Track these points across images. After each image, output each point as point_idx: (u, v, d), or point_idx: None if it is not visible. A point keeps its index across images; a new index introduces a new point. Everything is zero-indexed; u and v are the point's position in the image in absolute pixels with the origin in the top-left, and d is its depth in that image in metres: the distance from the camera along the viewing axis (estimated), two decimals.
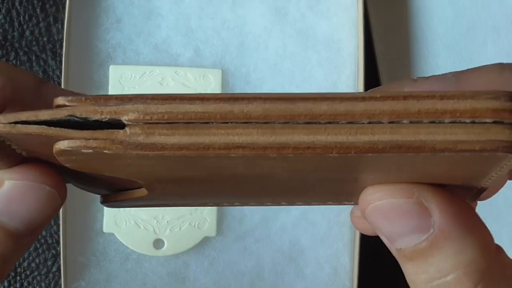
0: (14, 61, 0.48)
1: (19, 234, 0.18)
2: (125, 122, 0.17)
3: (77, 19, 0.50)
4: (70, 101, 0.17)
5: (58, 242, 0.51)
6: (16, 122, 0.17)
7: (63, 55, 0.48)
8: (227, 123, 0.16)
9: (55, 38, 0.50)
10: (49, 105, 0.17)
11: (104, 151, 0.16)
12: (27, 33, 0.49)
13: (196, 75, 0.53)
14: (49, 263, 0.52)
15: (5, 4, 0.48)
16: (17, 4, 0.49)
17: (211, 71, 0.53)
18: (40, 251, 0.51)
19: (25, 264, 0.51)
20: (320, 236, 0.55)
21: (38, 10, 0.49)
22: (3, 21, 0.48)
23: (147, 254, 0.52)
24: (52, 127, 0.17)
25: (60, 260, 0.50)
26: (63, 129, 0.17)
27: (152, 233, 0.51)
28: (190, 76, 0.53)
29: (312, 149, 0.16)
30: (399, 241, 0.19)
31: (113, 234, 0.52)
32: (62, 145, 0.17)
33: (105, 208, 0.51)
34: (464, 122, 0.16)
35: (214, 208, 0.53)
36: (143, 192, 0.21)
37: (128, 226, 0.52)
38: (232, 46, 0.55)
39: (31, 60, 0.49)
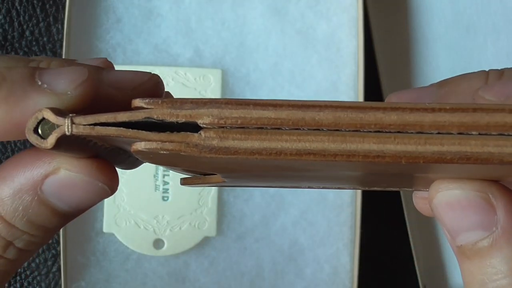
0: None
1: (64, 214, 0.20)
2: (201, 125, 0.17)
3: (77, 19, 0.50)
4: (148, 103, 0.18)
5: (58, 242, 0.51)
6: (95, 124, 0.18)
7: (63, 55, 0.48)
8: (299, 129, 0.17)
9: (55, 38, 0.50)
10: (111, 88, 0.19)
11: (162, 152, 0.17)
12: (27, 33, 0.49)
13: (196, 75, 0.53)
14: (49, 263, 0.52)
15: (5, 4, 0.48)
16: (17, 4, 0.48)
17: (211, 71, 0.53)
18: (40, 251, 0.51)
19: (25, 264, 0.51)
20: (320, 236, 0.55)
21: (38, 10, 0.49)
22: (3, 21, 0.48)
23: (147, 254, 0.52)
24: (130, 129, 0.17)
25: (60, 260, 0.50)
26: (140, 131, 0.17)
27: (152, 233, 0.51)
28: (190, 76, 0.53)
29: (382, 157, 0.16)
30: (461, 236, 0.19)
31: (113, 234, 0.52)
32: (139, 146, 0.18)
33: (105, 208, 0.51)
34: None
35: (214, 208, 0.53)
36: (218, 178, 0.22)
37: (128, 226, 0.52)
38: (232, 46, 0.55)
39: None
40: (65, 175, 0.19)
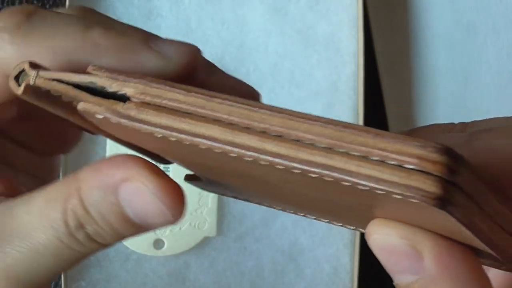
0: None
1: (132, 222, 0.21)
2: (128, 97, 0.19)
3: None
4: (94, 69, 0.20)
5: None
6: (54, 79, 0.20)
7: None
8: (204, 117, 0.18)
9: None
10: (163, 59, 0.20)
11: (98, 116, 0.19)
12: None
13: None
14: None
15: (5, 4, 0.48)
16: (17, 4, 0.48)
17: None
18: None
19: None
20: (320, 236, 0.55)
21: None
22: None
23: (147, 254, 0.52)
24: (75, 89, 0.20)
25: None
26: (82, 91, 0.19)
27: (152, 233, 0.51)
28: None
29: (259, 153, 0.17)
30: (395, 276, 0.20)
31: None
32: (79, 105, 0.20)
33: None
34: (391, 164, 0.16)
35: (214, 208, 0.53)
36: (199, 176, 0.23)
37: None
38: (232, 46, 0.55)
39: None
40: (135, 185, 0.20)
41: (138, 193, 0.20)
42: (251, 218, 0.54)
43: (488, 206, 0.18)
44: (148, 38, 0.22)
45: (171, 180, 0.21)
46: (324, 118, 0.17)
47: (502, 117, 0.23)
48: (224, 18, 0.55)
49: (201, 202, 0.52)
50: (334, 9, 0.57)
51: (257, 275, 0.54)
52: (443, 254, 0.19)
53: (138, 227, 0.22)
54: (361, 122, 0.56)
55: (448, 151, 0.16)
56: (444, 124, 0.23)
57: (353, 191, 0.17)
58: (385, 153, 0.16)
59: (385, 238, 0.19)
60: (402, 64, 0.63)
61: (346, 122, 0.17)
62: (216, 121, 0.18)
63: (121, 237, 0.22)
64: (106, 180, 0.21)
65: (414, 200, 0.16)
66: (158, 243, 0.52)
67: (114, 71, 0.20)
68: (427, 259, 0.19)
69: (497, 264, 0.22)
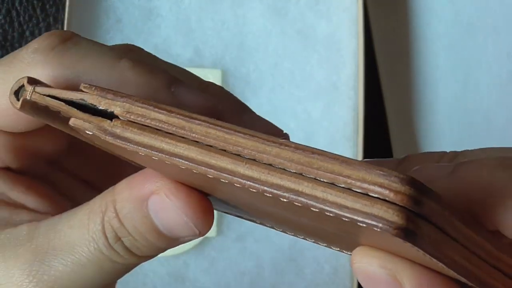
0: None
1: (162, 234, 0.22)
2: (116, 115, 0.20)
3: (77, 19, 0.50)
4: (84, 87, 0.20)
5: None
6: (48, 95, 0.20)
7: None
8: (184, 138, 0.19)
9: None
10: (178, 105, 0.21)
11: (87, 132, 0.20)
12: (27, 33, 0.49)
13: None
14: None
15: (5, 4, 0.48)
16: (17, 4, 0.49)
17: (211, 71, 0.53)
18: None
19: None
20: None
21: (38, 10, 0.49)
22: (3, 21, 0.48)
23: None
24: (67, 105, 0.20)
25: None
26: (72, 108, 0.20)
27: None
28: None
29: (232, 175, 0.18)
30: None
31: None
32: (70, 121, 0.20)
33: None
34: (356, 192, 0.17)
35: None
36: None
37: None
38: (232, 46, 0.55)
39: None
40: (162, 198, 0.21)
41: (164, 205, 0.21)
42: None
43: (464, 238, 0.18)
44: (172, 83, 0.23)
45: (197, 193, 0.21)
46: (296, 143, 0.18)
47: (496, 148, 0.23)
48: (224, 18, 0.55)
49: None
50: (334, 9, 0.57)
51: (257, 275, 0.54)
52: (423, 285, 0.19)
53: (170, 240, 0.22)
54: (361, 122, 0.56)
55: (411, 182, 0.16)
56: (436, 152, 0.24)
57: (327, 218, 0.17)
58: (349, 181, 0.17)
59: (367, 266, 0.19)
60: (402, 64, 0.63)
61: (316, 149, 0.17)
62: (195, 142, 0.18)
63: (157, 248, 0.23)
64: (137, 193, 0.21)
65: (377, 229, 0.16)
66: None
67: (104, 90, 0.20)
68: None
69: None
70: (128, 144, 0.19)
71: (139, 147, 0.19)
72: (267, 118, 0.26)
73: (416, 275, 0.19)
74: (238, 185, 0.18)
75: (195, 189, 0.21)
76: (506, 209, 0.19)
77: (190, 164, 0.18)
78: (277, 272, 0.54)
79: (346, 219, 0.16)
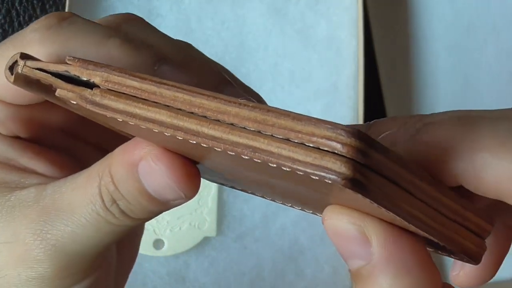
0: None
1: (153, 198, 0.23)
2: (97, 84, 0.21)
3: None
4: (69, 60, 0.21)
5: None
6: (37, 68, 0.22)
7: None
8: (156, 103, 0.20)
9: None
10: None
11: (72, 102, 0.21)
12: None
13: None
14: None
15: (5, 4, 0.48)
16: (17, 4, 0.48)
17: None
18: None
19: None
20: (320, 236, 0.55)
21: (38, 10, 0.49)
22: (3, 21, 0.48)
23: (147, 254, 0.52)
24: (53, 77, 0.21)
25: None
26: (58, 79, 0.21)
27: (152, 233, 0.51)
28: None
29: (197, 137, 0.19)
30: (347, 262, 0.21)
31: None
32: (57, 92, 0.21)
33: None
34: (308, 146, 0.17)
35: (214, 208, 0.53)
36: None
37: None
38: (232, 46, 0.55)
39: None
40: (149, 163, 0.22)
41: (151, 170, 0.22)
42: (251, 218, 0.54)
43: (418, 190, 0.19)
44: (156, 62, 0.24)
45: (182, 159, 0.22)
46: (255, 103, 0.18)
47: (461, 110, 0.24)
48: (224, 18, 0.55)
49: (201, 202, 0.52)
50: (334, 9, 0.57)
51: (257, 275, 0.54)
52: (389, 241, 0.20)
53: (160, 203, 0.23)
54: (361, 122, 0.56)
55: (358, 134, 0.17)
56: (403, 116, 0.24)
57: (290, 175, 0.18)
58: (301, 135, 0.17)
59: (336, 222, 0.20)
60: (402, 64, 0.63)
61: (271, 107, 0.18)
62: (165, 106, 0.19)
63: (150, 212, 0.24)
64: (128, 158, 0.23)
65: (328, 181, 0.17)
66: (158, 243, 0.52)
67: (86, 61, 0.21)
68: (374, 245, 0.20)
69: (457, 256, 0.22)
70: (106, 111, 0.20)
71: (116, 114, 0.20)
72: None
73: (383, 231, 0.20)
74: (204, 145, 0.19)
75: (183, 156, 0.22)
76: (463, 162, 0.20)
77: (160, 127, 0.19)
78: (277, 272, 0.54)
79: (301, 173, 0.17)
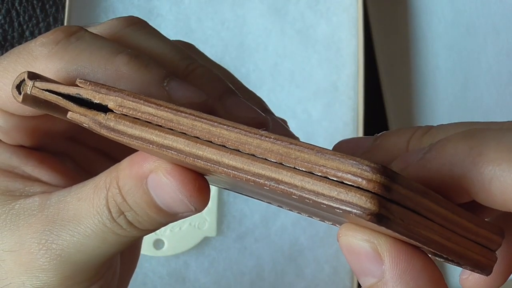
0: None
1: (161, 210, 0.23)
2: (110, 108, 0.21)
3: (77, 19, 0.50)
4: (80, 83, 0.21)
5: None
6: (47, 90, 0.21)
7: None
8: (172, 130, 0.20)
9: None
10: (170, 99, 0.22)
11: (84, 125, 0.21)
12: (27, 33, 0.49)
13: None
14: None
15: (5, 4, 0.48)
16: (17, 4, 0.48)
17: None
18: None
19: None
20: (320, 236, 0.55)
21: (38, 10, 0.49)
22: (3, 21, 0.48)
23: (147, 254, 0.52)
24: (64, 99, 0.21)
25: None
26: (69, 102, 0.21)
27: (152, 233, 0.51)
28: None
29: (218, 166, 0.19)
30: (360, 278, 0.21)
31: None
32: (68, 114, 0.21)
33: None
34: (332, 180, 0.18)
35: (214, 208, 0.53)
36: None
37: None
38: (232, 46, 0.55)
39: None
40: (159, 176, 0.22)
41: (161, 184, 0.22)
42: (251, 218, 0.54)
43: (436, 216, 0.19)
44: (165, 77, 0.24)
45: (192, 173, 0.22)
46: (276, 135, 0.19)
47: (466, 122, 0.24)
48: (224, 18, 0.55)
49: None
50: (334, 9, 0.57)
51: (257, 275, 0.54)
52: (401, 259, 0.20)
53: (169, 215, 0.23)
54: (361, 122, 0.56)
55: (382, 170, 0.17)
56: (409, 129, 0.25)
57: (311, 203, 0.18)
58: (325, 169, 0.18)
59: (351, 240, 0.20)
60: (402, 64, 0.63)
61: (293, 139, 0.18)
62: (182, 134, 0.20)
63: (158, 223, 0.24)
64: (137, 171, 0.23)
65: (352, 215, 0.17)
66: (158, 243, 0.52)
67: (98, 85, 0.21)
68: (386, 263, 0.20)
69: (467, 267, 0.22)
70: (121, 136, 0.20)
71: (132, 139, 0.20)
72: None
73: (395, 249, 0.20)
74: (224, 175, 0.19)
75: (192, 170, 0.22)
76: (471, 176, 0.20)
77: (179, 154, 0.19)
78: (277, 272, 0.54)
79: (324, 206, 0.17)
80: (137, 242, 0.31)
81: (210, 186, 0.23)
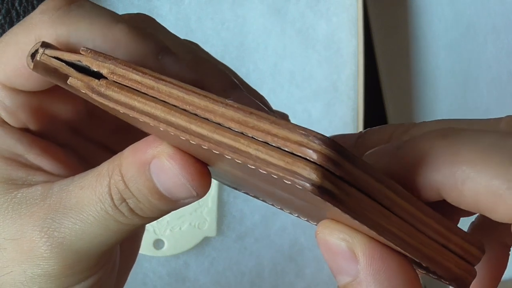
0: None
1: (164, 197, 0.23)
2: (104, 75, 0.22)
3: None
4: (82, 51, 0.22)
5: None
6: (53, 57, 0.23)
7: None
8: (153, 97, 0.20)
9: None
10: (163, 73, 0.22)
11: (82, 92, 0.22)
12: None
13: None
14: None
15: (5, 5, 0.48)
16: (17, 4, 0.48)
17: None
18: None
19: None
20: None
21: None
22: (3, 21, 0.48)
23: (147, 254, 0.52)
24: (67, 66, 0.22)
25: None
26: (71, 68, 0.22)
27: (152, 233, 0.51)
28: None
29: (185, 133, 0.19)
30: (336, 277, 0.21)
31: None
32: (68, 80, 0.22)
33: None
34: (284, 150, 0.18)
35: (214, 208, 0.53)
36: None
37: None
38: (232, 46, 0.55)
39: None
40: (162, 161, 0.22)
41: (164, 168, 0.23)
42: (251, 218, 0.54)
43: (395, 206, 0.19)
44: (160, 51, 0.25)
45: (194, 159, 0.22)
46: (240, 105, 0.19)
47: (441, 121, 0.23)
48: (224, 18, 0.55)
49: (201, 202, 0.52)
50: (334, 9, 0.57)
51: (257, 275, 0.54)
52: (376, 259, 0.20)
53: (171, 202, 0.24)
54: (361, 122, 0.56)
55: (331, 143, 0.17)
56: (393, 125, 0.24)
57: (279, 182, 0.18)
58: (277, 139, 0.18)
59: (328, 237, 0.21)
60: (402, 64, 0.63)
61: (255, 110, 0.19)
62: (162, 102, 0.20)
63: (159, 210, 0.24)
64: (140, 157, 0.23)
65: (298, 186, 0.17)
66: (158, 243, 0.52)
67: (97, 53, 0.22)
68: (360, 262, 0.20)
69: (447, 282, 0.22)
70: (108, 101, 0.21)
71: (117, 105, 0.21)
72: None
73: (370, 249, 0.20)
74: (193, 142, 0.19)
75: (194, 157, 0.23)
76: (443, 174, 0.20)
77: (155, 121, 0.20)
78: (277, 272, 0.54)
79: (275, 176, 0.17)
80: (137, 234, 0.31)
81: (212, 183, 0.23)
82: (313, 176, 0.17)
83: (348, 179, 0.18)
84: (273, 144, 0.18)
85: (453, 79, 0.63)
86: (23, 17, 0.49)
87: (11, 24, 0.49)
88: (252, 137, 0.18)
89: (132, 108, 0.20)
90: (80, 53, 0.22)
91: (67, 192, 0.24)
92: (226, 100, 0.19)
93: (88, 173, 0.24)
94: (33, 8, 0.49)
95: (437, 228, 0.20)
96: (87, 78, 0.22)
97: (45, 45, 0.23)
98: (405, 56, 0.63)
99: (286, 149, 0.18)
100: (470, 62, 0.62)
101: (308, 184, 0.17)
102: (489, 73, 0.62)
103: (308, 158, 0.17)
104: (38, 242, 0.24)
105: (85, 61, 0.22)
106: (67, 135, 0.28)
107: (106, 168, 0.24)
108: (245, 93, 0.26)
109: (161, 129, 0.20)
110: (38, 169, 0.26)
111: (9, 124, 0.26)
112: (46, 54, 0.23)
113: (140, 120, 0.20)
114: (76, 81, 0.22)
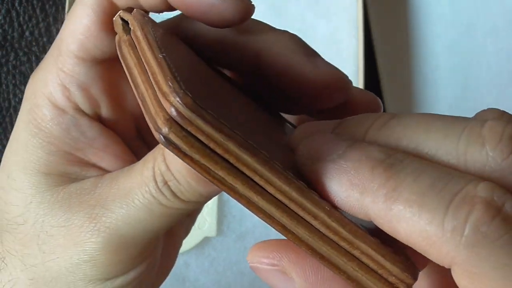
0: (14, 62, 0.48)
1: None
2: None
3: None
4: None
5: None
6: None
7: None
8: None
9: (55, 38, 0.50)
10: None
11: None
12: (27, 33, 0.49)
13: None
14: None
15: (5, 5, 0.48)
16: (16, 4, 0.48)
17: None
18: None
19: None
20: None
21: (37, 10, 0.49)
22: (3, 21, 0.48)
23: None
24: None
25: None
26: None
27: None
28: None
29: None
30: None
31: None
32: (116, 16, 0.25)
33: None
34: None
35: (214, 208, 0.53)
36: None
37: None
38: None
39: (31, 61, 0.49)
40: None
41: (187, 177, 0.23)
42: (251, 218, 0.54)
43: (260, 180, 0.20)
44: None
45: None
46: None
47: (426, 115, 0.23)
48: None
49: None
50: (334, 9, 0.57)
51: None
52: (309, 274, 0.21)
53: (208, 184, 0.24)
54: None
55: (189, 101, 0.18)
56: (369, 116, 0.24)
57: None
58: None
59: (259, 267, 0.22)
60: (402, 64, 0.63)
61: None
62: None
63: (199, 194, 0.24)
64: None
65: (159, 141, 0.18)
66: None
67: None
68: (296, 280, 0.21)
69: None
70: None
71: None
72: None
73: (301, 266, 0.21)
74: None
75: None
76: (379, 210, 0.20)
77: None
78: None
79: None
80: (178, 235, 0.31)
81: None
82: (162, 125, 0.18)
83: (199, 135, 0.18)
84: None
85: (453, 79, 0.63)
86: (23, 17, 0.49)
87: (11, 24, 0.49)
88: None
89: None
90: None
91: (116, 181, 0.25)
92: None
93: (136, 163, 0.25)
94: (33, 8, 0.49)
95: (348, 237, 0.20)
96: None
97: (129, 10, 0.24)
98: (405, 56, 0.63)
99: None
100: (470, 62, 0.62)
101: (159, 135, 0.18)
102: (489, 73, 0.62)
103: (167, 110, 0.18)
104: (86, 227, 0.24)
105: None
106: (132, 131, 0.28)
107: (153, 153, 0.24)
108: (327, 61, 0.27)
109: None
110: (94, 165, 0.27)
111: (82, 112, 0.26)
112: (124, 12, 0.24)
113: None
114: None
